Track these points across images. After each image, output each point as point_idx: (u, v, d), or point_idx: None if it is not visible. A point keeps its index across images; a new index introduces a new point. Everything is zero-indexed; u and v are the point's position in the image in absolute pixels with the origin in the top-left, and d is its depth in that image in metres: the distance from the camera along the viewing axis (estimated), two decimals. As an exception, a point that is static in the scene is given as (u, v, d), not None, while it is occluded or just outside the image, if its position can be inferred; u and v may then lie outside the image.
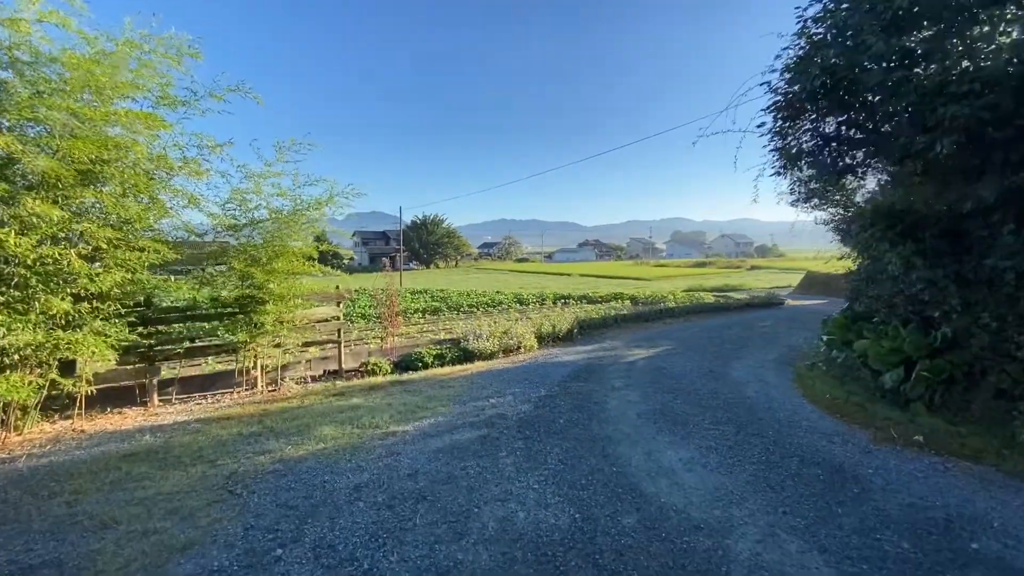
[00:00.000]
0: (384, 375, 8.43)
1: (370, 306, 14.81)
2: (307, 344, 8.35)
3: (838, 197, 15.79)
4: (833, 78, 5.93)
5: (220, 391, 7.64)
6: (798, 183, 17.40)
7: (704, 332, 12.71)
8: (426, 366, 8.89)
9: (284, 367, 8.19)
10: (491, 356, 9.59)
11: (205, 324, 7.49)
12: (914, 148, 5.18)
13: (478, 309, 22.38)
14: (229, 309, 7.32)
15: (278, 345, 7.89)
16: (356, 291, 26.10)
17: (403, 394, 7.15)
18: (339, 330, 8.60)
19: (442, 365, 9.05)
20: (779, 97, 7.98)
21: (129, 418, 6.49)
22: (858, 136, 6.20)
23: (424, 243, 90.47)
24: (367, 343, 11.86)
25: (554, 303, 24.21)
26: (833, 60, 5.80)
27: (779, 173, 9.12)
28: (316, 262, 8.00)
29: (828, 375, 7.76)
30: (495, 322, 15.92)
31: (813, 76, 6.14)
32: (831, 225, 19.41)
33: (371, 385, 7.71)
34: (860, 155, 6.59)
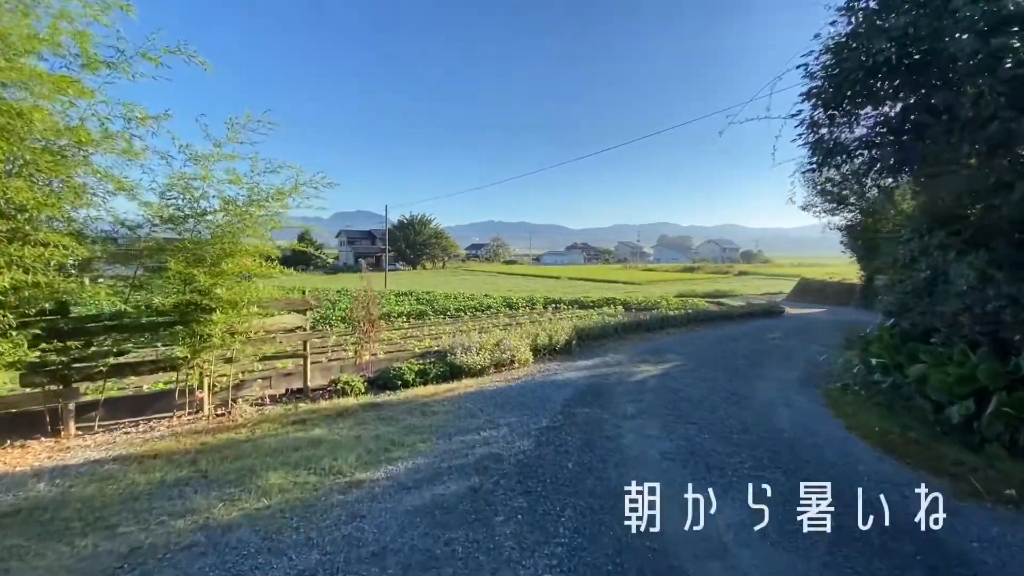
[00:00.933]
0: (357, 396, 7.23)
1: (351, 309, 13.60)
2: (267, 359, 7.12)
3: (853, 200, 15.00)
4: (901, 51, 4.92)
5: (157, 416, 6.38)
6: (814, 187, 16.64)
7: (712, 344, 11.70)
8: (407, 384, 7.71)
9: (238, 385, 6.95)
10: (481, 372, 8.44)
11: (141, 336, 6.24)
12: (1015, 136, 4.17)
13: (465, 313, 21.21)
14: (167, 319, 6.07)
15: (230, 360, 6.67)
16: (338, 292, 24.61)
17: (377, 423, 5.97)
18: (305, 342, 7.38)
19: (425, 383, 7.87)
20: (817, 82, 7.00)
21: (32, 454, 5.22)
22: (930, 121, 5.18)
23: (411, 243, 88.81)
24: (343, 352, 10.64)
25: (545, 308, 23.13)
26: (904, 30, 4.79)
27: (813, 169, 8.14)
28: (277, 263, 6.80)
29: (870, 402, 6.75)
30: (484, 330, 14.74)
31: (875, 51, 5.12)
32: (845, 231, 18.74)
33: (340, 409, 6.50)
34: (924, 146, 5.58)
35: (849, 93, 6.56)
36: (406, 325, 18.18)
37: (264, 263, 6.60)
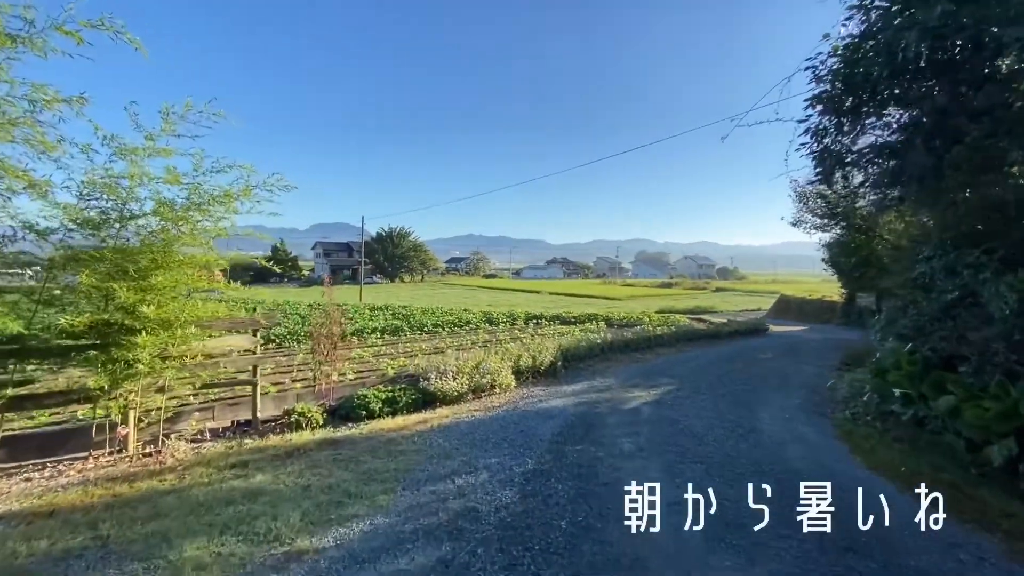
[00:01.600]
0: (313, 430, 6.29)
1: (311, 327, 12.04)
2: (208, 387, 6.16)
3: (845, 216, 14.73)
4: (936, 44, 4.36)
5: (71, 456, 5.35)
6: (804, 203, 16.38)
7: (705, 366, 11.06)
8: (372, 415, 6.79)
9: (173, 418, 5.97)
10: (458, 399, 7.58)
11: (47, 362, 5.23)
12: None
13: (444, 329, 20.28)
14: (82, 342, 5.09)
15: (162, 390, 5.69)
16: (310, 305, 23.37)
17: (332, 466, 5.05)
18: (255, 367, 6.43)
19: (394, 413, 6.97)
20: (825, 86, 6.47)
21: None
22: (967, 126, 4.61)
23: (389, 256, 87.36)
24: (310, 372, 9.63)
25: (526, 323, 22.36)
26: (941, 20, 4.22)
27: (818, 181, 7.61)
28: (223, 276, 5.91)
29: (888, 436, 6.12)
30: (462, 347, 13.85)
31: (902, 46, 4.56)
32: (833, 248, 18.60)
33: (291, 448, 5.56)
34: (955, 153, 5.02)
35: (864, 96, 6.05)
36: (380, 342, 17.17)
37: (205, 276, 5.68)
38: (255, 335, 6.50)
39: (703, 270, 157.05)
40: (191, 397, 6.28)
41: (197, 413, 6.21)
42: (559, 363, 9.74)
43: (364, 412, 6.77)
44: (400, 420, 6.63)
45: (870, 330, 18.07)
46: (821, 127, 7.09)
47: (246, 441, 5.87)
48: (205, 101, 5.42)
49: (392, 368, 11.29)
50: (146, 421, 5.63)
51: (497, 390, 8.15)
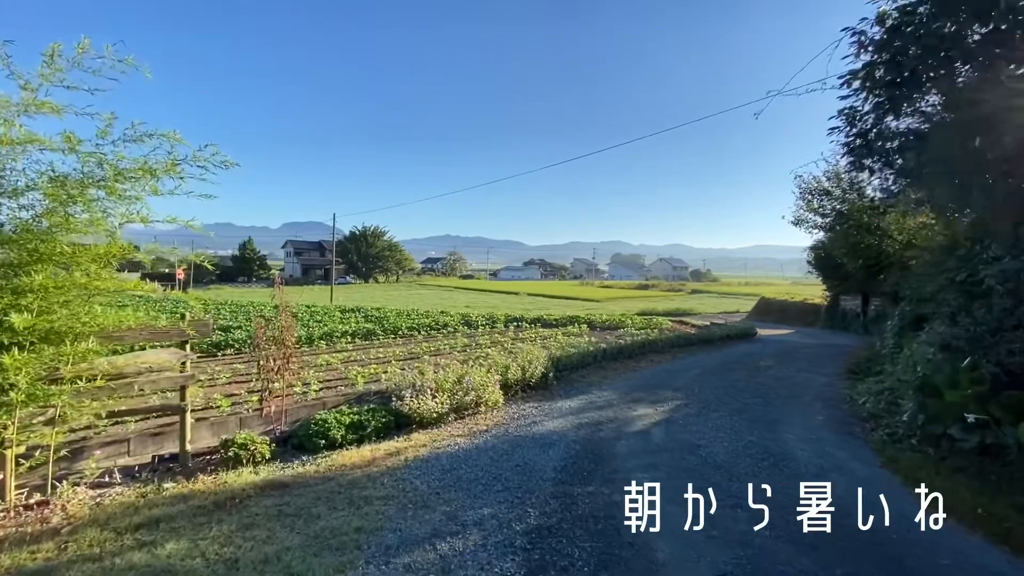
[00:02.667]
0: (256, 466, 5.04)
1: (255, 337, 9.73)
2: (121, 415, 4.86)
3: (837, 218, 14.09)
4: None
5: (-81, 513, 3.99)
6: (805, 202, 15.73)
7: (707, 376, 10.15)
8: (332, 444, 5.57)
9: (71, 456, 4.65)
10: (438, 422, 6.42)
11: None
12: None
13: (419, 332, 18.99)
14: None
15: (52, 422, 4.37)
16: (276, 307, 21.82)
17: (274, 523, 3.84)
18: (183, 388, 5.12)
19: (360, 441, 5.76)
20: (871, 55, 5.56)
21: None
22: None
23: (363, 256, 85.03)
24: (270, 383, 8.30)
25: (506, 326, 21.24)
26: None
27: (853, 167, 6.74)
28: (143, 274, 4.61)
29: (944, 464, 5.23)
30: (439, 355, 12.65)
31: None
32: (815, 251, 18.16)
33: (224, 495, 4.32)
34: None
35: (907, 72, 5.16)
36: (350, 347, 15.80)
37: (110, 273, 4.39)
38: (185, 347, 5.20)
39: (677, 272, 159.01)
40: (98, 428, 4.96)
41: (104, 449, 4.90)
42: (551, 374, 8.66)
43: (323, 441, 5.54)
44: (367, 451, 5.43)
45: (873, 335, 17.58)
46: (853, 111, 6.23)
47: (167, 485, 4.59)
48: (109, 43, 4.15)
49: (362, 377, 10.04)
50: (27, 463, 4.29)
51: (483, 409, 7.02)
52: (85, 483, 4.51)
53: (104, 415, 4.64)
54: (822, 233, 16.95)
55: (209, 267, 5.25)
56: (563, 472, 4.89)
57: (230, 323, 18.98)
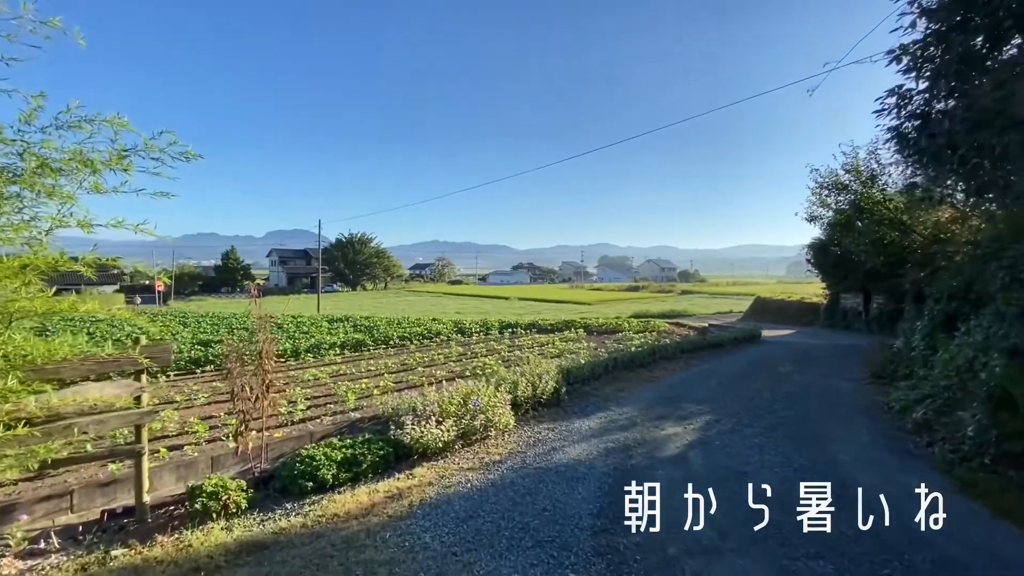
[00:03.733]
0: (229, 520, 4.16)
1: (227, 361, 8.28)
2: (59, 464, 3.95)
3: (856, 213, 13.53)
4: None
5: None
6: (818, 198, 15.16)
7: (728, 385, 9.44)
8: (322, 486, 4.71)
9: (-5, 518, 3.74)
10: (443, 451, 5.58)
11: None
12: None
13: (412, 342, 18.12)
14: None
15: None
16: (260, 319, 20.71)
17: (248, 610, 2.99)
18: (139, 428, 4.23)
19: (354, 480, 4.91)
20: (927, 25, 4.87)
21: None
22: None
23: (350, 263, 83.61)
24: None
25: (500, 333, 20.43)
26: None
27: (905, 154, 6.06)
28: (73, 286, 3.74)
29: (1036, 491, 4.54)
30: (434, 366, 11.74)
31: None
32: (813, 248, 17.69)
33: (184, 567, 3.45)
34: None
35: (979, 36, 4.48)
36: (339, 359, 14.90)
37: (37, 288, 3.51)
38: (140, 378, 4.31)
39: (665, 273, 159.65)
40: (32, 474, 4.08)
41: (40, 505, 4.00)
42: (563, 389, 7.86)
43: (311, 483, 4.67)
44: (364, 495, 4.56)
45: (876, 334, 17.02)
46: (904, 88, 5.55)
47: (115, 552, 3.69)
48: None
49: (353, 393, 9.16)
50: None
51: (493, 433, 6.20)
52: (11, 553, 3.61)
53: (35, 467, 3.74)
54: (825, 230, 16.46)
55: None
56: (600, 516, 4.09)
57: (211, 337, 17.93)
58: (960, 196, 8.32)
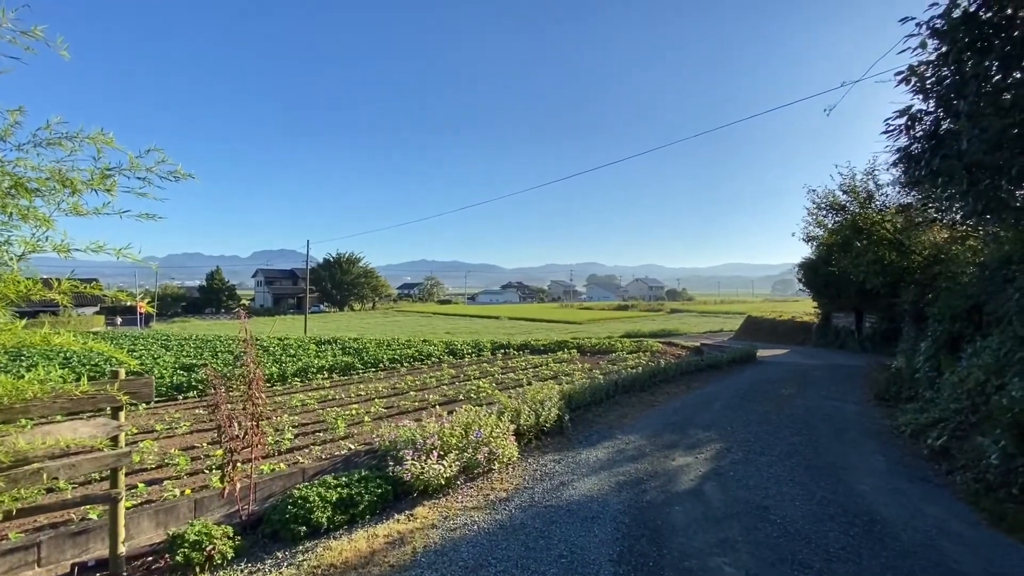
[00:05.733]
0: (213, 572, 3.77)
1: (213, 393, 7.75)
2: (25, 513, 3.55)
3: (854, 233, 13.61)
4: None
5: None
6: (813, 218, 15.24)
7: (731, 408, 9.20)
8: (317, 529, 4.34)
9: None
10: (445, 488, 5.23)
11: None
12: None
13: (402, 364, 17.72)
14: None
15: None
16: (245, 340, 20.27)
17: None
18: (116, 472, 3.85)
19: (351, 523, 4.54)
20: (936, 46, 4.82)
21: None
22: None
23: (338, 283, 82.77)
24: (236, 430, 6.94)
25: (493, 354, 20.10)
26: None
27: (909, 181, 5.96)
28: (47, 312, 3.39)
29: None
30: (426, 389, 11.31)
31: None
32: (803, 268, 17.84)
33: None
34: None
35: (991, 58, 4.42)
36: (327, 383, 14.43)
37: (11, 323, 3.18)
38: (119, 416, 3.94)
39: (653, 292, 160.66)
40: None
41: (4, 559, 3.58)
42: (566, 417, 7.56)
43: (304, 528, 4.30)
44: (362, 540, 4.20)
45: (870, 353, 16.97)
46: (912, 114, 5.49)
47: (84, 615, 3.30)
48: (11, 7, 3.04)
49: (343, 420, 8.77)
50: None
51: (497, 466, 5.86)
52: (-36, 619, 3.20)
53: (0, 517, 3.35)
54: (820, 249, 16.57)
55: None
56: (622, 563, 3.77)
57: (194, 361, 17.33)
58: (958, 217, 8.33)
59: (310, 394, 12.34)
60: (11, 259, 3.25)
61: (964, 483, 5.44)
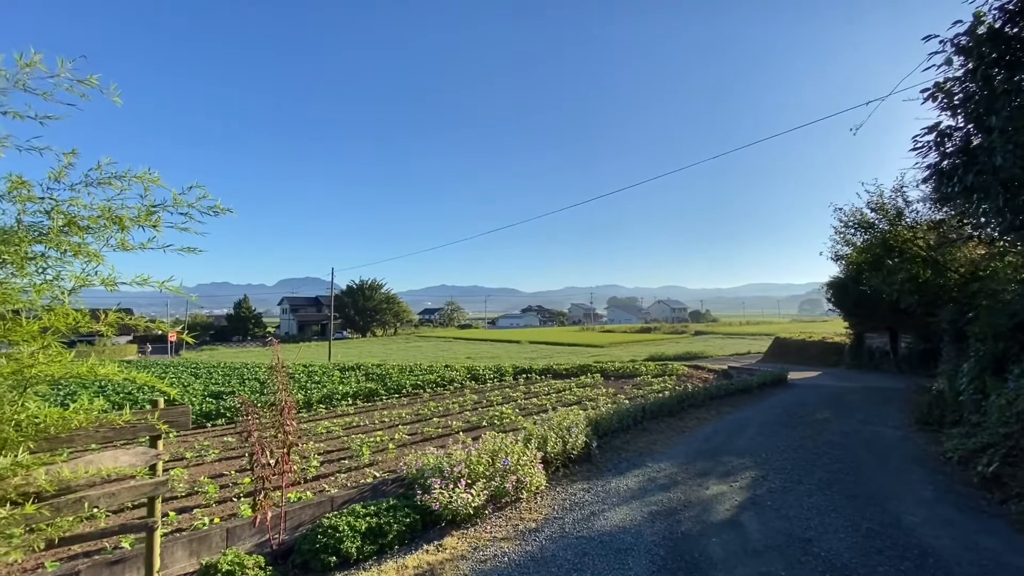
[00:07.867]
0: (247, 605, 3.77)
1: (243, 423, 7.73)
2: (66, 542, 3.63)
3: (884, 252, 13.31)
4: None
5: None
6: (841, 236, 14.98)
7: (767, 435, 8.90)
8: (346, 560, 4.31)
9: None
10: (473, 518, 5.15)
11: None
12: None
13: (425, 390, 17.74)
14: None
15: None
16: (270, 368, 20.70)
17: None
18: (153, 501, 3.92)
19: (379, 553, 4.50)
20: (961, 62, 4.78)
21: None
22: None
23: (360, 309, 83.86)
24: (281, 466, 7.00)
25: (515, 378, 19.98)
26: None
27: (939, 198, 5.84)
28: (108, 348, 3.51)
29: None
30: (449, 416, 11.29)
31: None
32: (832, 287, 17.44)
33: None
34: None
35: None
36: (351, 410, 14.52)
37: (61, 354, 3.31)
38: (157, 444, 4.03)
39: (676, 313, 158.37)
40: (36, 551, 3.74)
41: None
42: (593, 444, 7.42)
43: (334, 558, 4.28)
44: (392, 572, 4.14)
45: (907, 374, 16.35)
46: (942, 131, 5.41)
47: (121, 646, 3.31)
48: (69, 58, 3.26)
49: (367, 447, 8.77)
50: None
51: (525, 495, 5.76)
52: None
53: (42, 547, 3.43)
54: (849, 268, 16.22)
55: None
56: (660, 599, 3.64)
57: (222, 388, 17.65)
58: (996, 233, 8.08)
59: (335, 420, 12.42)
60: (62, 292, 3.40)
61: (1020, 512, 5.13)
